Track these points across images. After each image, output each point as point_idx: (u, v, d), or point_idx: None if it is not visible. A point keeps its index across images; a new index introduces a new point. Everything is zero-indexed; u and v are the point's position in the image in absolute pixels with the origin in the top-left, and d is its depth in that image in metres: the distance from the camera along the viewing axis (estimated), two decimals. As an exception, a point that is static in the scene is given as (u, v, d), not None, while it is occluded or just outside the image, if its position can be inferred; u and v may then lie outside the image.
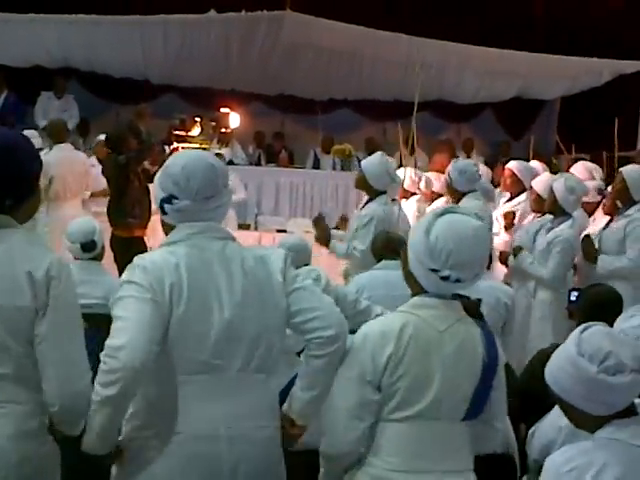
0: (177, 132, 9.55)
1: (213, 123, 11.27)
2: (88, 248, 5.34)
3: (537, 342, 5.70)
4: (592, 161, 9.98)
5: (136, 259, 2.86)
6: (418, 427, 2.80)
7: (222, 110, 11.33)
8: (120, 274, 2.96)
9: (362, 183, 6.77)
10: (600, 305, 4.15)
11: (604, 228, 6.55)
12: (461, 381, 2.82)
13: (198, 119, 9.82)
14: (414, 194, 8.33)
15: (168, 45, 12.42)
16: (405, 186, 7.82)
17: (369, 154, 13.00)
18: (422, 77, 7.07)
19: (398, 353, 2.77)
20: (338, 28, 12.35)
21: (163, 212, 2.92)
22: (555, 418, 3.37)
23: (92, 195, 8.94)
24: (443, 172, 8.53)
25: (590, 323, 2.51)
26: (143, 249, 7.61)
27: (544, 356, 4.32)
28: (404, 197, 7.98)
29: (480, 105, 14.30)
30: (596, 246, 6.39)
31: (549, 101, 14.68)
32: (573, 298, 4.89)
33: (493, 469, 3.04)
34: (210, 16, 12.30)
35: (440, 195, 8.08)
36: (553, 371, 2.51)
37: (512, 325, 5.51)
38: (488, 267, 5.61)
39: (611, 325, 2.60)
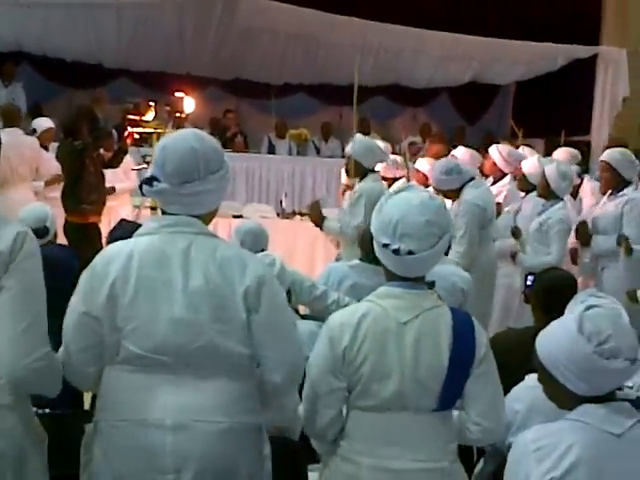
0: (131, 116, 9.43)
1: (168, 107, 11.15)
2: (40, 234, 5.26)
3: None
4: (547, 146, 10.11)
5: (99, 254, 2.85)
6: (385, 417, 2.80)
7: (177, 94, 11.22)
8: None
9: (352, 166, 6.74)
10: (553, 289, 4.17)
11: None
12: (425, 372, 2.79)
13: (152, 103, 9.70)
14: (396, 180, 8.19)
15: (121, 28, 12.28)
16: (382, 171, 7.77)
17: (325, 139, 13.15)
18: (376, 62, 7.04)
19: (353, 346, 2.77)
20: (293, 12, 12.30)
21: (142, 194, 2.86)
22: (512, 402, 3.38)
23: (47, 184, 8.79)
24: (438, 158, 8.58)
25: (593, 302, 2.50)
26: (97, 236, 7.55)
27: (499, 341, 4.35)
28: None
29: (435, 90, 14.33)
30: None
31: (504, 86, 14.74)
32: (529, 282, 4.91)
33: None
34: (164, -1, 12.20)
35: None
36: (547, 342, 2.49)
37: (468, 310, 5.51)
38: (446, 253, 5.65)
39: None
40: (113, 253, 2.79)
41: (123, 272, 2.72)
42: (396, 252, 2.79)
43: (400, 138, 12.32)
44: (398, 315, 2.81)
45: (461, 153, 8.53)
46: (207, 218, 2.90)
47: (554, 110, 12.88)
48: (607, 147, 9.44)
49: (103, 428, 2.76)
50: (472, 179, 6.81)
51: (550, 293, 4.13)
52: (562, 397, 2.49)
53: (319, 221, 6.85)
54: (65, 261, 4.39)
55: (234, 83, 13.61)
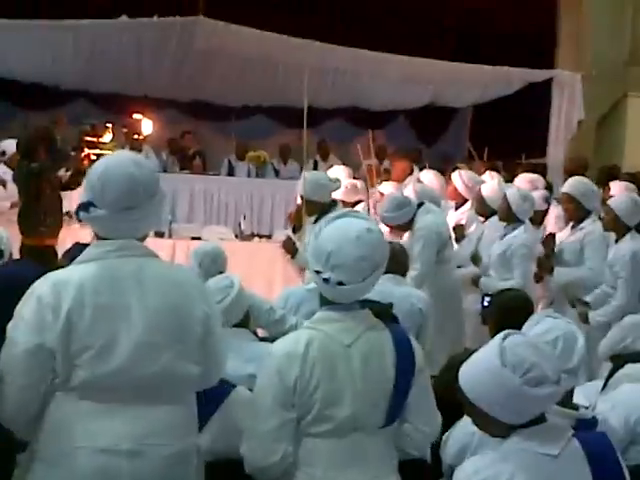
0: (88, 138, 9.39)
1: (125, 129, 11.14)
2: (-5, 256, 5.21)
3: None
4: (504, 168, 10.18)
5: (37, 284, 2.74)
6: (337, 440, 2.81)
7: (134, 116, 11.21)
8: (29, 283, 2.84)
9: (309, 207, 6.71)
10: (509, 310, 4.20)
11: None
12: (374, 391, 2.82)
13: (109, 125, 9.68)
14: (358, 202, 8.17)
15: (79, 50, 12.18)
16: (342, 197, 7.76)
17: (284, 161, 13.17)
18: (334, 85, 7.04)
19: (305, 374, 2.77)
20: (252, 34, 12.31)
21: (78, 219, 2.80)
22: (468, 423, 3.39)
23: (13, 205, 8.68)
24: (404, 178, 8.61)
25: (509, 331, 2.52)
26: (54, 258, 7.48)
27: (457, 362, 4.37)
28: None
29: (393, 112, 14.42)
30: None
31: (461, 109, 14.87)
32: (486, 304, 4.94)
33: (406, 474, 3.05)
34: (121, 21, 12.14)
35: None
36: (470, 378, 2.50)
37: (427, 331, 5.54)
38: (403, 274, 5.67)
39: (519, 330, 2.62)
40: (60, 282, 2.70)
41: (77, 302, 2.66)
42: (326, 281, 2.79)
43: (359, 161, 12.37)
44: (342, 338, 2.82)
45: (428, 178, 8.58)
46: (141, 239, 2.88)
47: (510, 133, 13.02)
48: (567, 167, 9.51)
49: (49, 457, 2.70)
50: (421, 205, 6.84)
51: (505, 314, 4.16)
52: (493, 428, 2.51)
53: (292, 254, 6.94)
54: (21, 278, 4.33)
55: (192, 105, 13.59)
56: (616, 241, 6.35)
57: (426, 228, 6.64)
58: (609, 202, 6.48)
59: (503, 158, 12.04)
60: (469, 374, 2.51)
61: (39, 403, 2.71)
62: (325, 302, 2.90)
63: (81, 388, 2.69)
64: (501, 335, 2.50)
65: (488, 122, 13.83)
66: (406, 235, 6.97)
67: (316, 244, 2.84)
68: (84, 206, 2.74)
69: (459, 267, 7.08)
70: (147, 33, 12.27)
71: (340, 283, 2.78)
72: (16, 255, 6.35)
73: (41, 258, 7.31)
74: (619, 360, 4.24)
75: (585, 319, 6.16)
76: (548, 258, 6.66)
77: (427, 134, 14.64)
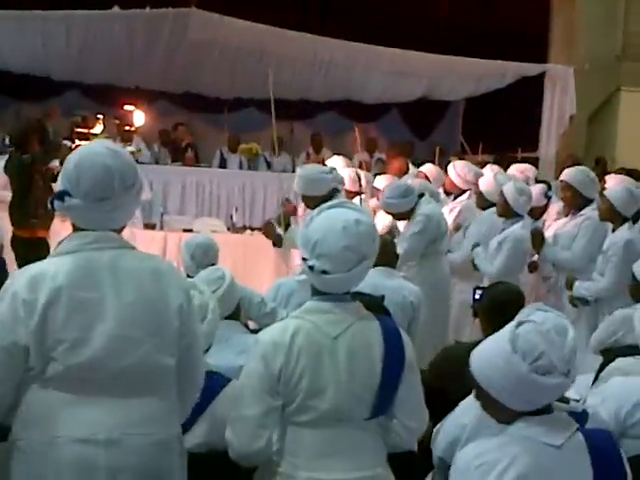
0: (79, 130, 9.37)
1: (117, 121, 11.14)
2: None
3: None
4: (496, 162, 10.17)
5: (13, 277, 2.73)
6: (321, 430, 2.81)
7: (126, 108, 11.20)
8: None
9: (307, 201, 6.64)
10: (500, 303, 4.21)
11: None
12: (359, 383, 2.82)
13: (100, 116, 9.66)
14: (358, 193, 8.05)
15: (71, 41, 12.16)
16: (346, 187, 7.71)
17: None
18: (327, 78, 7.01)
19: (289, 364, 2.78)
20: (244, 26, 12.30)
21: (52, 208, 2.79)
22: (459, 416, 3.40)
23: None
24: (399, 176, 8.60)
25: (523, 319, 2.53)
26: (45, 250, 7.46)
27: (449, 354, 4.38)
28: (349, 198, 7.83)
29: (386, 105, 14.42)
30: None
31: (454, 102, 14.87)
32: (477, 297, 4.94)
33: (395, 466, 3.06)
34: (113, 12, 12.10)
35: None
36: (481, 362, 2.51)
37: (418, 323, 5.56)
38: (394, 266, 5.68)
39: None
40: (36, 277, 2.69)
41: (52, 296, 2.65)
42: (311, 269, 2.82)
43: (352, 154, 12.38)
44: (329, 330, 2.83)
45: (429, 169, 8.58)
46: (119, 230, 2.86)
47: (503, 127, 13.02)
48: (566, 165, 9.48)
49: (27, 446, 2.70)
50: (422, 195, 6.87)
51: (496, 307, 4.17)
52: (500, 413, 2.52)
53: (275, 241, 6.87)
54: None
55: (185, 97, 13.57)
56: (612, 231, 6.38)
57: (427, 215, 6.69)
58: (605, 192, 6.51)
59: (495, 152, 12.05)
60: (480, 359, 2.52)
61: (12, 396, 2.70)
62: (316, 292, 2.91)
63: (56, 379, 2.68)
64: (515, 322, 2.51)
65: (481, 116, 13.83)
66: (403, 224, 6.99)
67: (305, 232, 2.86)
68: (59, 195, 2.73)
69: (448, 252, 7.09)
70: (139, 24, 12.25)
71: (324, 272, 2.79)
72: (7, 247, 6.36)
73: (32, 250, 7.30)
74: (610, 354, 4.25)
75: (573, 302, 6.24)
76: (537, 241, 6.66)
77: (420, 127, 14.64)
